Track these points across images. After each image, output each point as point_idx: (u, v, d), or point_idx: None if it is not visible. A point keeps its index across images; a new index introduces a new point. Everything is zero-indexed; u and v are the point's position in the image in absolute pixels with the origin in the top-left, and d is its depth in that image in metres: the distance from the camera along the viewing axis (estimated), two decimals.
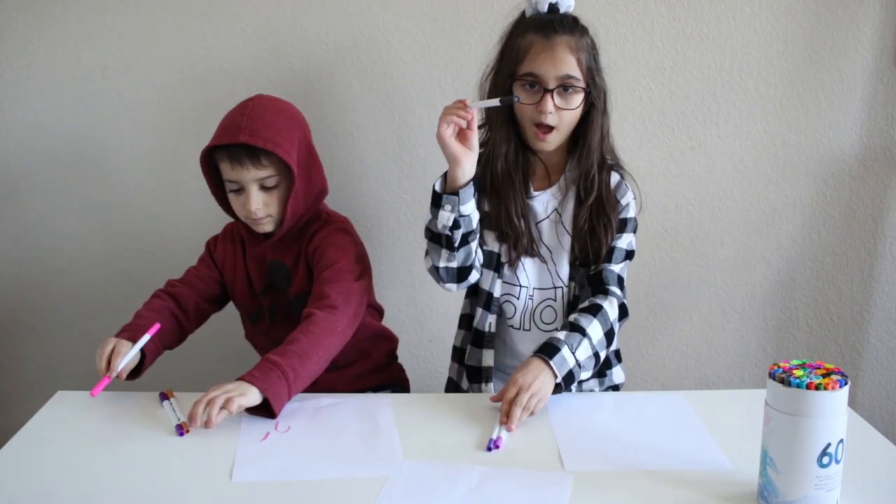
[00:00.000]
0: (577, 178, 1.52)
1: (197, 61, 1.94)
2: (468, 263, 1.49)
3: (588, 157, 1.50)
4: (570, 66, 1.43)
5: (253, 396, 1.29)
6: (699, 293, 2.09)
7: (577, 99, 1.46)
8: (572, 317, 1.46)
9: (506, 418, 1.29)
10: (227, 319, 1.73)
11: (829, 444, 1.00)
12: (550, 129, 1.46)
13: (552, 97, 1.43)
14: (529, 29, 1.46)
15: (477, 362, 1.59)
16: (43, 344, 2.11)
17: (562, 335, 1.41)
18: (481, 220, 1.51)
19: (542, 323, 1.58)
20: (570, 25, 1.45)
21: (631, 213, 1.55)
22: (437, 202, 1.44)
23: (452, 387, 1.69)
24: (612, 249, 1.52)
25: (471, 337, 1.60)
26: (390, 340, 1.75)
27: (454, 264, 1.48)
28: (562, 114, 1.45)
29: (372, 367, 1.68)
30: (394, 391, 1.70)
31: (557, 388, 1.37)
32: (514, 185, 1.51)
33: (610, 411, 1.37)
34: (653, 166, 1.99)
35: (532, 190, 1.54)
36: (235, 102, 1.55)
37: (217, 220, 2.02)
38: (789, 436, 1.01)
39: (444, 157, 1.42)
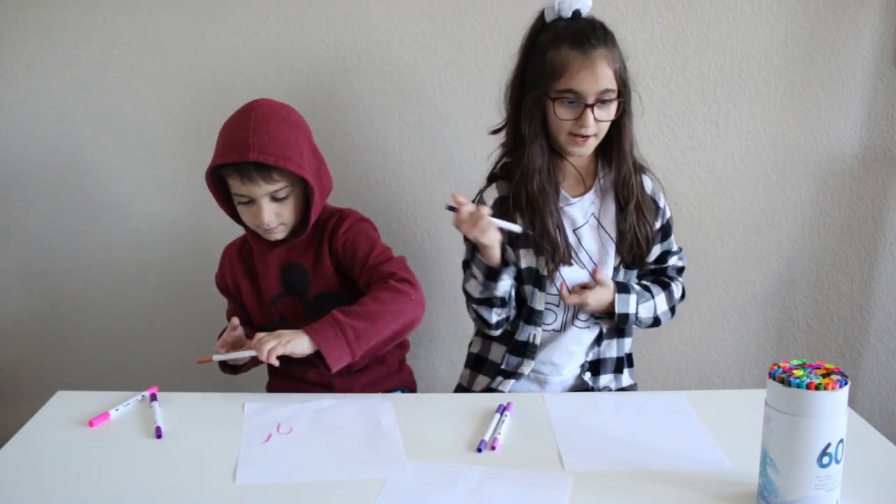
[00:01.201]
0: (615, 183, 1.54)
1: (197, 61, 1.94)
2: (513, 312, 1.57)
3: (624, 163, 1.52)
4: (608, 80, 1.43)
5: (302, 345, 1.35)
6: (699, 293, 2.09)
7: (614, 108, 1.46)
8: (644, 282, 1.61)
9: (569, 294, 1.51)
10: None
11: (829, 444, 1.00)
12: (588, 135, 1.47)
13: (592, 112, 1.43)
14: (563, 42, 1.42)
15: (514, 368, 1.59)
16: (43, 344, 2.10)
17: (637, 286, 1.58)
18: (517, 238, 1.51)
19: (579, 321, 1.59)
20: (603, 36, 1.43)
21: (668, 214, 1.64)
22: (493, 276, 1.48)
23: (462, 391, 1.68)
24: (666, 254, 1.65)
25: (510, 347, 1.59)
26: (402, 346, 1.74)
27: (505, 315, 1.55)
28: (600, 124, 1.46)
29: (386, 372, 1.68)
30: (402, 391, 1.70)
31: (610, 316, 1.55)
32: (548, 197, 1.50)
33: (610, 411, 1.37)
34: (653, 166, 1.98)
35: (570, 196, 1.54)
36: (235, 102, 1.55)
37: (212, 219, 2.02)
38: (789, 436, 1.01)
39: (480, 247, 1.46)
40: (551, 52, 1.43)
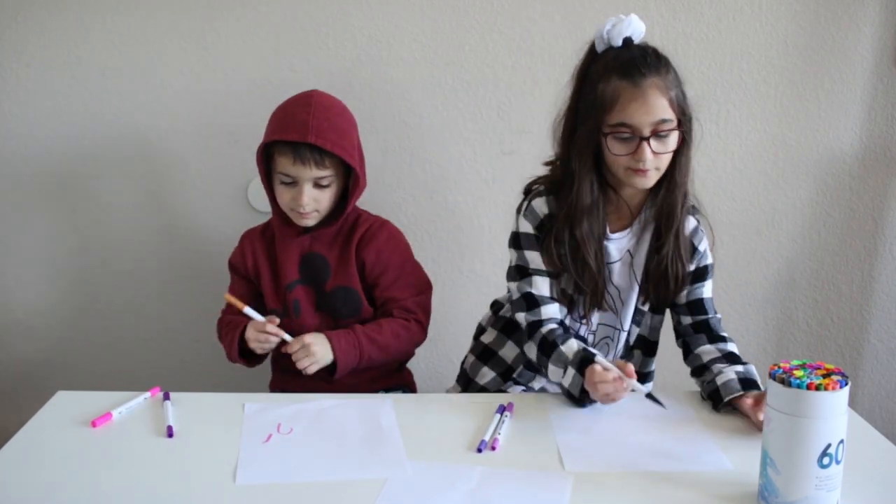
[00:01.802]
0: (658, 214, 1.44)
1: (197, 61, 1.94)
2: None
3: (673, 193, 1.42)
4: (663, 110, 1.33)
5: (327, 361, 1.50)
6: None
7: (673, 138, 1.37)
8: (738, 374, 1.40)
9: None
10: None
11: (829, 445, 1.00)
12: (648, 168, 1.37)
13: (649, 144, 1.33)
14: (613, 73, 1.34)
15: (526, 382, 1.58)
16: (43, 344, 2.11)
17: (737, 374, 1.40)
18: (560, 257, 1.43)
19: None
20: (655, 63, 1.35)
21: (709, 259, 1.51)
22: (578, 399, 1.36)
23: (464, 379, 1.66)
24: (701, 301, 1.51)
25: (527, 362, 1.55)
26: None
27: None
28: (659, 157, 1.36)
29: (385, 371, 1.69)
30: (403, 391, 1.71)
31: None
32: (594, 238, 1.42)
33: (610, 411, 1.37)
34: None
35: (609, 231, 1.45)
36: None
37: (213, 219, 2.02)
38: (789, 436, 1.01)
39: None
40: (601, 85, 1.34)
